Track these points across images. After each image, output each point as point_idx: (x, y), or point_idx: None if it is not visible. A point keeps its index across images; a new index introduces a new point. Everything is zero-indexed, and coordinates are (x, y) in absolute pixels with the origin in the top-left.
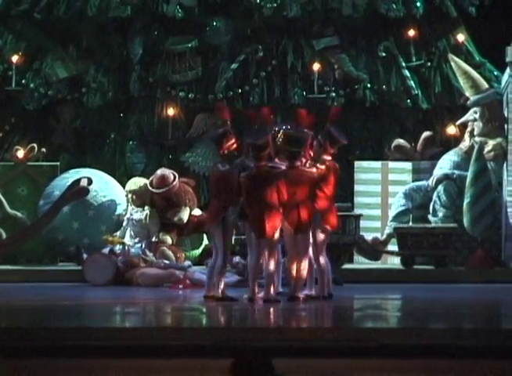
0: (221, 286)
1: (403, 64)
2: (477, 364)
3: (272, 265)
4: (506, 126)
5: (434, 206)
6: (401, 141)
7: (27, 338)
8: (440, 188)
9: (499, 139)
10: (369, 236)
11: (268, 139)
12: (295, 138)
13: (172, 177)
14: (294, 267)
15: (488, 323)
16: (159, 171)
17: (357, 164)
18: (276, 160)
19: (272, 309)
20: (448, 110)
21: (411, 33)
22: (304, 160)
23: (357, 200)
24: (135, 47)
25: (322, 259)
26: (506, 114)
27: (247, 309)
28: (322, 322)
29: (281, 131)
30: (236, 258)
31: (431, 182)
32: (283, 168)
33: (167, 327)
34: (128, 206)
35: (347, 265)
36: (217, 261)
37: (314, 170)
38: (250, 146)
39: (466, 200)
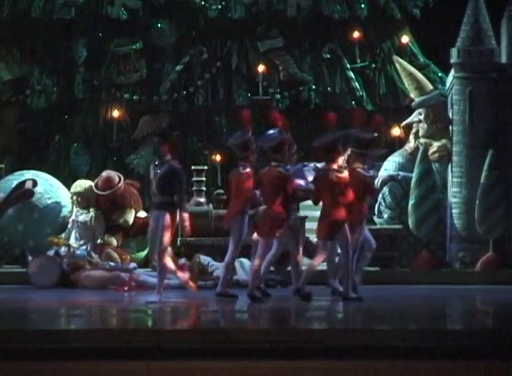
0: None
1: (348, 66)
2: (420, 365)
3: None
4: (450, 127)
5: (379, 207)
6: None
7: None
8: (385, 189)
9: (443, 141)
10: (314, 238)
11: (282, 142)
12: (370, 140)
13: (117, 179)
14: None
15: (431, 324)
16: (104, 173)
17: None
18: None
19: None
20: (393, 112)
21: (355, 34)
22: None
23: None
24: (80, 49)
25: None
26: (450, 116)
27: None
28: (263, 323)
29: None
30: (182, 260)
31: (376, 183)
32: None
33: (112, 329)
34: (73, 208)
35: None
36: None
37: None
38: (263, 148)
39: (411, 202)
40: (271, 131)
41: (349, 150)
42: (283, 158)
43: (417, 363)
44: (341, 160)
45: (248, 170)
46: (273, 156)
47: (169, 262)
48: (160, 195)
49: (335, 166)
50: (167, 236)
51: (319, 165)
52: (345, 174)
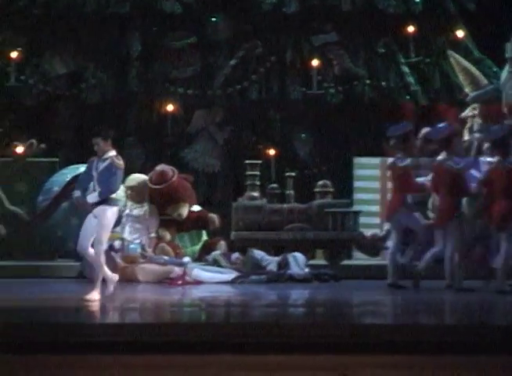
0: None
1: (402, 60)
2: (474, 360)
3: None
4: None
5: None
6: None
7: (29, 335)
8: None
9: None
10: (368, 233)
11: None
12: None
13: (171, 173)
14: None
15: (471, 320)
16: (158, 167)
17: (356, 160)
18: None
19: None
20: (448, 106)
21: (410, 29)
22: None
23: (356, 196)
24: (134, 43)
25: None
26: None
27: (249, 304)
28: (319, 317)
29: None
30: (236, 254)
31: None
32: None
33: (166, 323)
34: (127, 202)
35: (346, 262)
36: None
37: None
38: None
39: None
40: (440, 125)
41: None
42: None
43: (470, 358)
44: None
45: (407, 161)
46: (446, 149)
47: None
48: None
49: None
50: (108, 231)
51: (490, 159)
52: None
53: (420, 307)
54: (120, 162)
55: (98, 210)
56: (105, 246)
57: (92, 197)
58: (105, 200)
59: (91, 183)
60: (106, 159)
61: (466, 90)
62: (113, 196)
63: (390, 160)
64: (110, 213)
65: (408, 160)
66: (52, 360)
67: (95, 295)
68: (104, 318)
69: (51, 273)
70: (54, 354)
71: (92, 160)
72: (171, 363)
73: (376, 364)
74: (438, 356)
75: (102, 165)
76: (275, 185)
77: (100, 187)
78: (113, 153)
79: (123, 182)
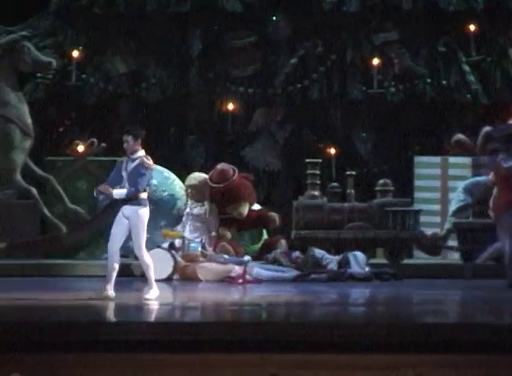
0: None
1: (463, 59)
2: None
3: None
4: None
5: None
6: (461, 136)
7: (93, 333)
8: None
9: None
10: (428, 232)
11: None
12: None
13: (232, 172)
14: None
15: None
16: (218, 166)
17: (417, 159)
18: None
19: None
20: (509, 105)
21: (471, 27)
22: None
23: (417, 195)
24: (195, 42)
25: None
26: None
27: (307, 303)
28: (380, 317)
29: None
30: (296, 253)
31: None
32: None
33: (227, 322)
34: (187, 201)
35: (406, 260)
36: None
37: None
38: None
39: None
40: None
41: None
42: None
43: None
44: None
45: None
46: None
47: None
48: None
49: None
50: (144, 231)
51: None
52: None
53: (482, 305)
54: (150, 162)
55: (129, 211)
56: (143, 246)
57: (119, 193)
58: (135, 200)
59: (121, 184)
60: (136, 159)
61: None
62: (143, 196)
63: (496, 160)
64: (142, 213)
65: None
66: (123, 358)
67: (154, 294)
68: (167, 317)
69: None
70: (122, 352)
71: (121, 162)
72: (231, 361)
73: (436, 363)
74: (501, 355)
75: (131, 165)
76: (335, 184)
77: (129, 186)
78: (142, 153)
79: (183, 180)
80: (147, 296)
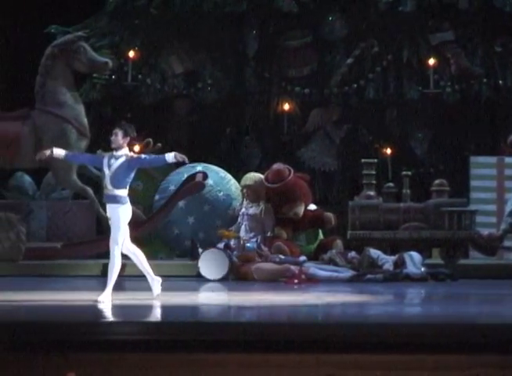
0: None
1: None
2: None
3: None
4: None
5: None
6: None
7: (154, 332)
8: None
9: None
10: (484, 232)
11: None
12: None
13: (287, 172)
14: None
15: None
16: (274, 166)
17: (472, 159)
18: None
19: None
20: None
21: None
22: None
23: (472, 195)
24: (251, 42)
25: None
26: None
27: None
28: (435, 317)
29: None
30: (352, 253)
31: None
32: None
33: (281, 323)
34: (243, 201)
35: (462, 261)
36: None
37: None
38: None
39: None
40: None
41: None
42: None
43: None
44: None
45: None
46: None
47: None
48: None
49: None
50: (122, 230)
51: None
52: None
53: None
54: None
55: (110, 209)
56: (120, 244)
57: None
58: (116, 199)
59: (102, 177)
60: (120, 156)
61: None
62: (123, 193)
63: None
64: (121, 211)
65: None
66: (184, 358)
67: (107, 297)
68: (222, 317)
69: (168, 272)
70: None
71: (103, 156)
72: (286, 361)
73: (494, 365)
74: None
75: (115, 163)
76: (391, 184)
77: (111, 184)
78: (127, 151)
79: (239, 181)
80: (99, 298)
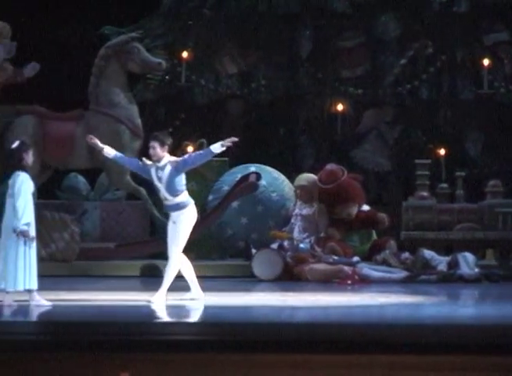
0: None
1: None
2: None
3: None
4: None
5: None
6: None
7: (204, 333)
8: None
9: None
10: None
11: None
12: None
13: (341, 172)
14: None
15: None
16: (328, 167)
17: None
18: None
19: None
20: None
21: None
22: None
23: None
24: (305, 42)
25: None
26: None
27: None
28: (488, 318)
29: None
30: (406, 254)
31: None
32: None
33: (333, 323)
34: (296, 201)
35: None
36: None
37: None
38: None
39: None
40: None
41: None
42: None
43: None
44: None
45: None
46: None
47: None
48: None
49: None
50: (187, 234)
51: None
52: None
53: None
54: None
55: (174, 216)
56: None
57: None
58: (180, 205)
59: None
60: (165, 166)
61: None
62: (182, 198)
63: None
64: (188, 214)
65: None
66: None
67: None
68: (276, 317)
69: (221, 273)
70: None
71: (148, 165)
72: (340, 362)
73: None
74: None
75: (164, 174)
76: (445, 185)
77: (168, 193)
78: (168, 158)
79: (292, 181)
80: (152, 298)
